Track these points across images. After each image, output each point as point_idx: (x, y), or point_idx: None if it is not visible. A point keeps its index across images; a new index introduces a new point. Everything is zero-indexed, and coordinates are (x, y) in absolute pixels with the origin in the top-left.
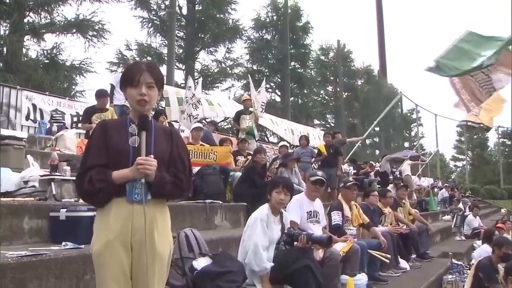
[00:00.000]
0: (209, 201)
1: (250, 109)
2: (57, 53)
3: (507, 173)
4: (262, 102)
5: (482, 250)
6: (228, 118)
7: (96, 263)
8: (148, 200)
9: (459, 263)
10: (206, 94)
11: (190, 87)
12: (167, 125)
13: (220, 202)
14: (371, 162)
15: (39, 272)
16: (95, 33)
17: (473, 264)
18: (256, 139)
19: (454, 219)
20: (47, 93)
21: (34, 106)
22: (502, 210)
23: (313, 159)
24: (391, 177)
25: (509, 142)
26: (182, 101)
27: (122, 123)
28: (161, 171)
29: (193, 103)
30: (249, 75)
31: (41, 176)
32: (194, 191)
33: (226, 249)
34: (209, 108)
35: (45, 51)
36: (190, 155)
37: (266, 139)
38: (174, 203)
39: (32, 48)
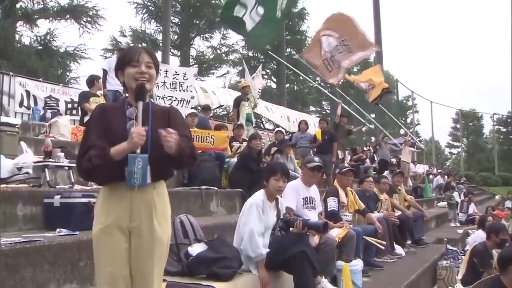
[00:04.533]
0: (205, 187)
1: (248, 95)
2: (51, 39)
3: (501, 160)
4: (259, 89)
5: (477, 236)
6: (223, 105)
7: (94, 247)
8: (148, 184)
9: (454, 249)
10: (202, 81)
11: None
12: None
13: (216, 189)
14: (363, 148)
15: (33, 258)
16: (89, 19)
17: (467, 250)
18: (253, 126)
19: (459, 205)
20: (40, 79)
21: (28, 92)
22: (496, 197)
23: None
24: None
25: (504, 129)
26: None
27: (120, 107)
28: (161, 151)
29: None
30: (243, 61)
31: (34, 162)
32: (189, 177)
33: (221, 235)
34: (203, 95)
35: (38, 37)
36: None
37: (261, 125)
38: (170, 189)
39: (25, 34)
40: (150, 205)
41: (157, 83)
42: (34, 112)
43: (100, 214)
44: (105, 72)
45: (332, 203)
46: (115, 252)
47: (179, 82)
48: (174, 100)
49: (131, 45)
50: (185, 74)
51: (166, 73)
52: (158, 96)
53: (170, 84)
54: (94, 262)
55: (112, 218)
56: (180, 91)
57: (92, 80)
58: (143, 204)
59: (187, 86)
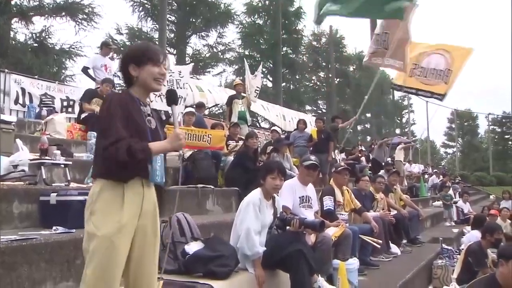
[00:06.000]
0: (201, 186)
1: (243, 94)
2: (46, 37)
3: (496, 160)
4: (257, 87)
5: (472, 236)
6: (219, 104)
7: (104, 246)
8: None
9: (449, 248)
10: (197, 79)
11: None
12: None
13: (212, 187)
14: (360, 148)
15: (30, 256)
16: (85, 16)
17: (462, 249)
18: (249, 124)
19: (455, 211)
20: (36, 77)
21: (23, 90)
22: (491, 197)
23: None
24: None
25: (499, 130)
26: None
27: (135, 102)
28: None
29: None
30: (244, 59)
31: (30, 160)
32: (186, 176)
33: (217, 234)
34: (199, 94)
35: (33, 35)
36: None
37: (257, 124)
38: (166, 188)
39: (21, 31)
40: (155, 203)
41: None
42: (29, 109)
43: (112, 212)
44: (85, 68)
45: (328, 202)
46: (125, 252)
47: (176, 80)
48: None
49: (150, 43)
50: (180, 72)
51: None
52: (155, 94)
53: (168, 81)
54: (92, 263)
55: (128, 217)
56: (177, 88)
57: (107, 81)
58: (151, 202)
59: (184, 84)
